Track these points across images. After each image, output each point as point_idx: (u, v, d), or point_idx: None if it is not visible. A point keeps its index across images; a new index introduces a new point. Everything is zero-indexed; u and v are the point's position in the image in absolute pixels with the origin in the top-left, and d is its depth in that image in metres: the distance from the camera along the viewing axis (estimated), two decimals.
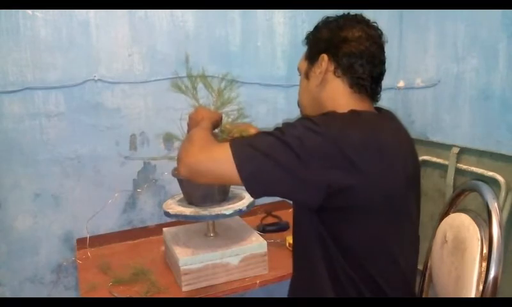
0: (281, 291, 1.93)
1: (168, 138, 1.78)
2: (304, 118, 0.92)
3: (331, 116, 0.93)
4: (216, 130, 1.27)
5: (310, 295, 1.02)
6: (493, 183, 1.56)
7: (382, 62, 1.00)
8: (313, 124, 0.88)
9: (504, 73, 1.71)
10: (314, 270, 0.99)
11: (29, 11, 1.56)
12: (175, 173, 1.33)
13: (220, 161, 0.89)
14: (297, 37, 1.98)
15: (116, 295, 1.29)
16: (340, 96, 0.99)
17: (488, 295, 0.92)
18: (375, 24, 1.01)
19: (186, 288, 1.28)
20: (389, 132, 0.96)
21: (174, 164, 1.40)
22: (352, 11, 1.09)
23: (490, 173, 1.59)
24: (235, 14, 1.86)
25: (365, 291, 0.94)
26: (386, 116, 1.03)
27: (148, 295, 1.28)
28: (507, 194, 1.54)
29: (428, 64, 2.03)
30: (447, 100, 1.96)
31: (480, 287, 0.94)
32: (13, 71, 1.57)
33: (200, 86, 1.29)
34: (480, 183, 1.06)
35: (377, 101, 1.04)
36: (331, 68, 0.99)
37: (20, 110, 1.59)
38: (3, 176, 1.61)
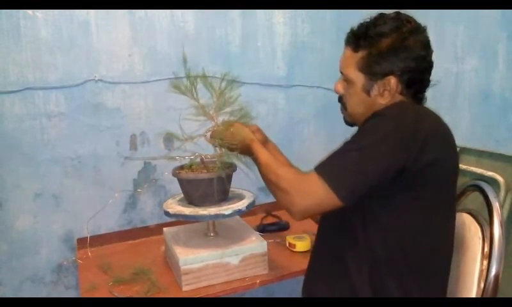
0: (281, 291, 1.94)
1: (169, 137, 1.78)
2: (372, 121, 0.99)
3: (399, 108, 1.00)
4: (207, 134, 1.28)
5: (341, 292, 1.03)
6: (492, 183, 1.55)
7: (433, 66, 1.06)
8: (383, 118, 0.97)
9: (504, 73, 1.71)
10: (351, 264, 1.02)
11: (30, 12, 1.56)
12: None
13: (322, 197, 0.96)
14: (297, 37, 1.98)
15: (117, 294, 1.30)
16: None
17: (489, 292, 0.93)
18: (425, 27, 1.05)
19: (186, 288, 1.29)
20: (446, 126, 1.03)
21: (174, 164, 1.41)
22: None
23: (490, 173, 1.59)
24: (235, 14, 1.87)
25: (407, 279, 0.97)
26: (433, 111, 1.07)
27: (149, 295, 1.28)
28: (506, 193, 1.54)
29: None
30: (446, 100, 1.96)
31: (482, 285, 0.95)
32: (14, 72, 1.57)
33: (200, 86, 1.29)
34: (481, 182, 1.07)
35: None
36: (399, 89, 1.03)
37: (21, 111, 1.59)
38: (4, 176, 1.61)
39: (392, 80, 1.01)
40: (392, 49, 1.00)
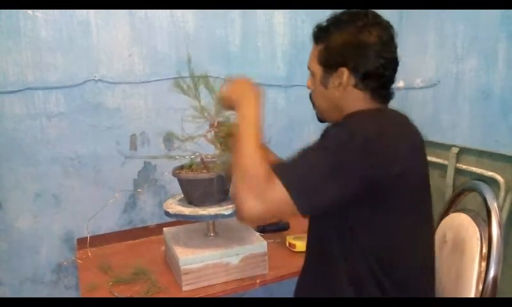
0: (281, 291, 1.94)
1: (169, 137, 1.78)
2: (335, 129, 0.95)
3: (362, 119, 0.97)
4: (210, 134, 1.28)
5: (326, 296, 1.02)
6: (492, 183, 1.56)
7: (397, 63, 1.03)
8: (347, 129, 0.92)
9: (503, 73, 1.71)
10: (334, 272, 1.00)
11: (30, 11, 1.57)
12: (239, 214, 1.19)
13: (279, 202, 0.87)
14: (297, 37, 1.99)
15: (117, 294, 1.30)
16: (360, 103, 1.02)
17: (487, 294, 0.92)
18: (388, 23, 1.02)
19: (186, 288, 1.29)
20: (413, 129, 1.03)
21: (174, 164, 1.41)
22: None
23: (489, 173, 1.59)
24: (235, 14, 1.87)
25: (390, 290, 0.95)
26: (399, 113, 1.05)
27: (149, 295, 1.28)
28: (506, 194, 1.54)
29: (428, 64, 2.03)
30: (446, 100, 1.97)
31: (480, 286, 0.95)
32: (14, 72, 1.57)
33: (202, 87, 1.29)
34: (480, 183, 1.07)
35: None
36: (352, 82, 1.01)
37: (21, 111, 1.60)
38: (4, 176, 1.61)
39: (345, 73, 1.00)
40: (345, 42, 0.99)
